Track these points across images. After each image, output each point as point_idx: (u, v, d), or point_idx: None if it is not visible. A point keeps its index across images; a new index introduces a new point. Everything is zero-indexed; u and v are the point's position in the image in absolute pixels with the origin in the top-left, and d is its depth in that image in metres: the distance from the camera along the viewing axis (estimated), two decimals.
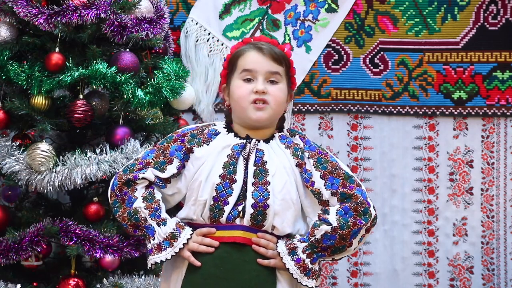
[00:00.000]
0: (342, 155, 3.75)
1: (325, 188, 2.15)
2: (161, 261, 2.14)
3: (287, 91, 2.22)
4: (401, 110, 3.75)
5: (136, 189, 2.17)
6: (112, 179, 2.22)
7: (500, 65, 3.72)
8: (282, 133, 2.23)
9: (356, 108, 3.75)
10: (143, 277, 3.03)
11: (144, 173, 2.17)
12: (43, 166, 2.90)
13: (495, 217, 3.74)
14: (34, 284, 3.05)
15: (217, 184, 2.13)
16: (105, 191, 3.14)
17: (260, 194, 2.12)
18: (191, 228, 2.16)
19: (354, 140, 3.78)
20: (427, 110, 3.74)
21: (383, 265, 3.76)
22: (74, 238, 2.92)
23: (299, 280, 2.13)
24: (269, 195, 2.12)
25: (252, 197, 2.12)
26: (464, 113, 3.73)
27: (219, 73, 2.32)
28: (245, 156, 2.16)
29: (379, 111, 3.75)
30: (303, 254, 2.13)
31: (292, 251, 2.13)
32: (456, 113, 3.74)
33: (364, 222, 2.14)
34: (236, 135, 2.20)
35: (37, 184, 2.92)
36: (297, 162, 2.17)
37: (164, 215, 2.17)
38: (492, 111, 3.72)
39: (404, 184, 3.76)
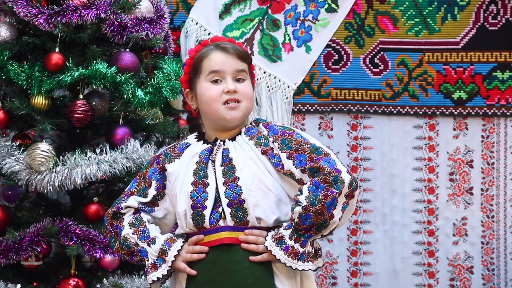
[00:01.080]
0: (342, 155, 3.75)
1: (295, 167, 2.11)
2: (157, 278, 2.15)
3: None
4: (401, 110, 3.75)
5: (124, 219, 2.22)
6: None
7: (500, 65, 3.72)
8: (248, 125, 2.22)
9: (356, 108, 3.75)
10: (143, 277, 3.02)
11: (126, 202, 2.23)
12: (43, 166, 2.90)
13: (495, 217, 3.74)
14: (34, 284, 3.05)
15: (191, 192, 2.14)
16: (105, 191, 3.15)
17: (232, 192, 2.11)
18: (183, 240, 2.17)
19: (354, 140, 3.78)
20: (427, 110, 3.74)
21: (383, 265, 3.76)
22: (74, 238, 2.92)
23: (294, 266, 2.10)
24: (241, 190, 2.11)
25: (226, 197, 2.12)
26: (464, 113, 3.73)
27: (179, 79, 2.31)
28: (213, 159, 2.16)
29: (379, 111, 3.75)
30: (291, 240, 2.09)
31: (280, 241, 2.10)
32: (456, 113, 3.74)
33: (336, 191, 2.06)
34: (205, 141, 2.21)
35: (37, 184, 2.91)
36: (262, 149, 2.15)
37: (153, 234, 2.19)
38: (492, 111, 3.72)
39: (404, 184, 3.76)
